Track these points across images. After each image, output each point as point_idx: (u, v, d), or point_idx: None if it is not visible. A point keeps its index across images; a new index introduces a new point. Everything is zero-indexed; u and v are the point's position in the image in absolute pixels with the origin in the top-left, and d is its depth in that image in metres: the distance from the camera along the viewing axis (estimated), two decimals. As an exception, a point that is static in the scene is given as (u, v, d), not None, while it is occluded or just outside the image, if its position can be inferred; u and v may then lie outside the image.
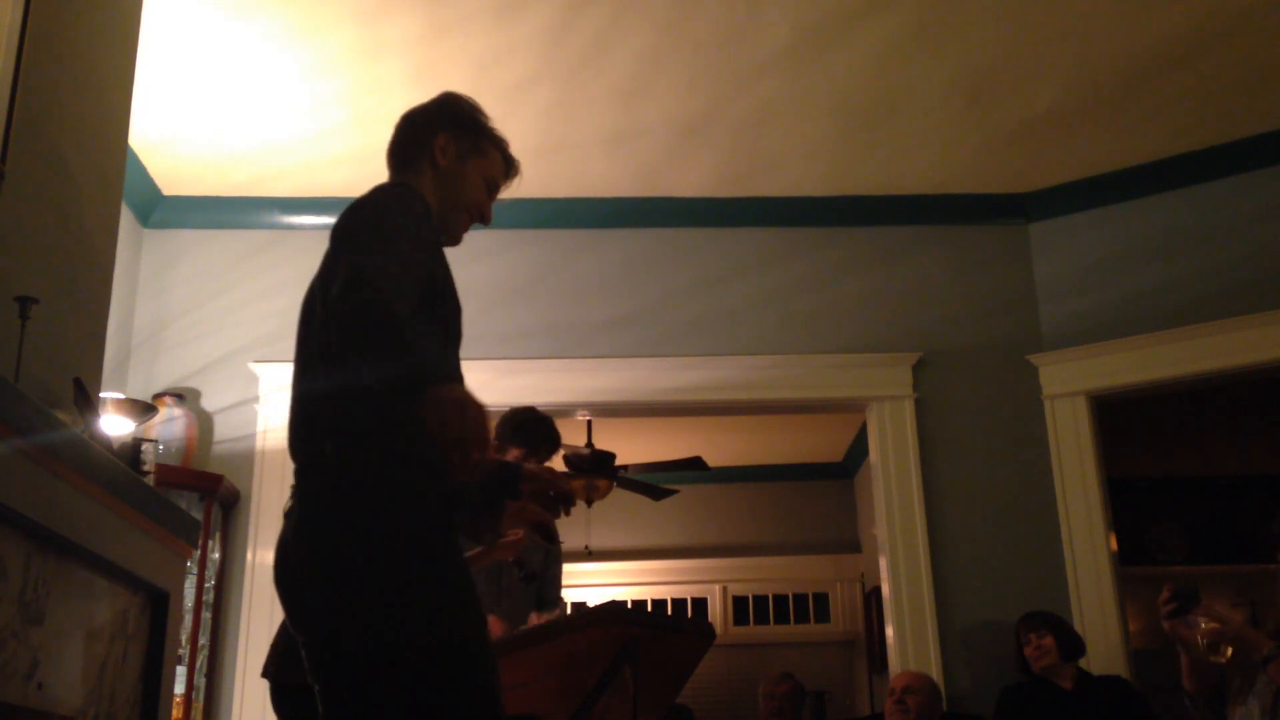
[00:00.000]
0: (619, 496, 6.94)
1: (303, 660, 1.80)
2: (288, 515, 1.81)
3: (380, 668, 1.66)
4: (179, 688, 3.74)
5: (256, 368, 4.39)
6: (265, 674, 2.70)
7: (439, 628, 1.68)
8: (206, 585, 4.10)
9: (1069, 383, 4.51)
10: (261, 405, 4.38)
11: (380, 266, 1.65)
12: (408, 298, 1.66)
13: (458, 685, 1.66)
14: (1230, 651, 2.68)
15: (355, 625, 1.67)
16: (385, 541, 1.69)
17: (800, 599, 8.32)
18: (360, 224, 1.78)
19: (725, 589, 8.28)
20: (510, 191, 4.74)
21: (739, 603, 8.29)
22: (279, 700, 2.63)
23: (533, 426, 3.39)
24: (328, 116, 4.08)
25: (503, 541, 3.15)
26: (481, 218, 2.08)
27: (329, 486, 1.72)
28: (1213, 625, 2.69)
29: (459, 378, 1.75)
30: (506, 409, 3.51)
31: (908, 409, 4.57)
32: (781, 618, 8.28)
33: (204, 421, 4.39)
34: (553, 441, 3.44)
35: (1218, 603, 2.82)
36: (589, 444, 6.41)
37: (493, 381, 4.35)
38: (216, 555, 4.19)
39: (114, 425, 2.96)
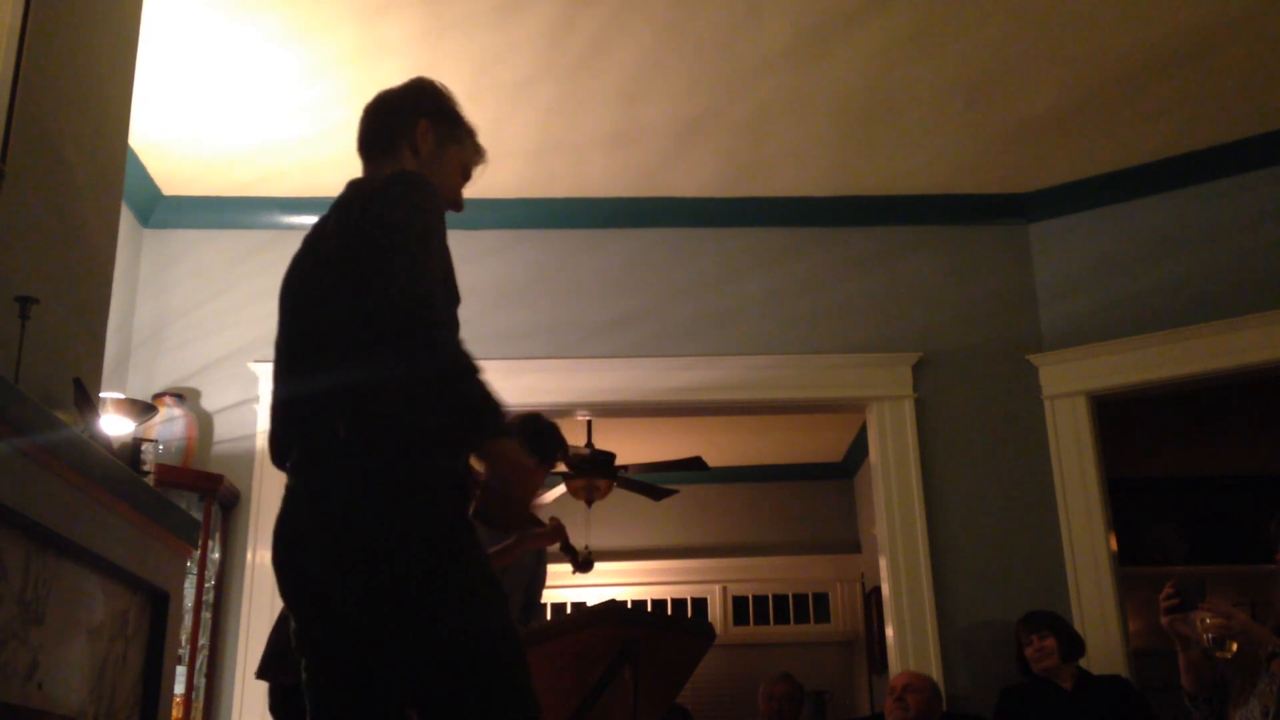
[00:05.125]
0: (619, 496, 6.94)
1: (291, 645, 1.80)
2: (292, 496, 1.80)
3: (408, 668, 1.66)
4: (179, 688, 3.74)
5: (256, 368, 4.40)
6: (261, 675, 2.71)
7: (466, 608, 1.69)
8: (206, 585, 4.10)
9: (1069, 383, 4.51)
10: (261, 405, 4.37)
11: (425, 272, 1.72)
12: (443, 302, 1.76)
13: (488, 666, 1.67)
14: (1235, 647, 2.68)
15: (384, 627, 1.67)
16: (407, 523, 1.69)
17: (800, 599, 8.32)
18: (396, 219, 1.78)
19: (725, 589, 8.27)
20: (510, 191, 4.76)
21: (739, 603, 8.28)
22: (277, 701, 2.63)
23: (547, 438, 3.38)
24: (328, 116, 4.08)
25: (540, 531, 3.14)
26: (456, 204, 2.08)
27: (345, 469, 1.72)
28: (1218, 621, 2.68)
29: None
30: (514, 413, 3.49)
31: (908, 409, 4.57)
32: (781, 618, 8.28)
33: (204, 421, 4.39)
34: (564, 452, 3.46)
35: (1221, 599, 2.81)
36: (589, 444, 6.41)
37: (493, 381, 4.33)
38: (216, 555, 4.19)
39: (114, 425, 2.96)
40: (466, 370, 1.69)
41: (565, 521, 3.40)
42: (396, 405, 1.72)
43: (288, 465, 1.85)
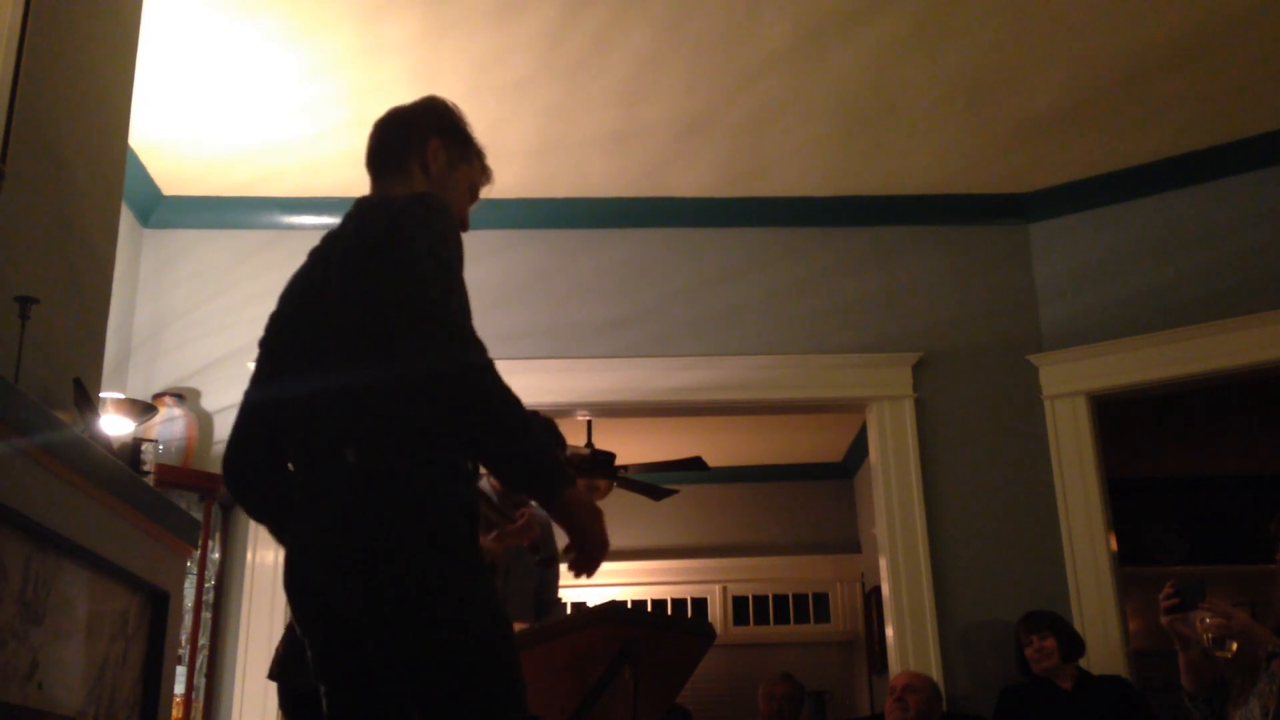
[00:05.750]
0: (619, 496, 6.94)
1: (309, 664, 1.80)
2: (299, 516, 1.80)
3: (407, 668, 1.67)
4: (179, 688, 3.74)
5: (256, 368, 4.39)
6: (273, 677, 2.71)
7: (465, 608, 1.69)
8: (206, 585, 4.10)
9: (1069, 383, 4.51)
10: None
11: (461, 305, 1.72)
12: (460, 315, 1.73)
13: (487, 666, 1.67)
14: (1235, 647, 2.68)
15: (383, 627, 1.68)
16: (406, 523, 1.69)
17: (800, 599, 8.32)
18: (423, 247, 1.73)
19: (725, 589, 8.27)
20: (510, 191, 4.75)
21: (739, 603, 8.28)
22: (288, 706, 2.64)
23: (544, 433, 3.39)
24: (328, 116, 4.08)
25: (512, 527, 3.15)
26: (462, 224, 2.07)
27: (355, 492, 1.71)
28: (1218, 621, 2.68)
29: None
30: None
31: (908, 409, 4.57)
32: (781, 618, 8.28)
33: (204, 421, 4.39)
34: (559, 446, 3.46)
35: (1220, 599, 2.81)
36: (589, 444, 6.41)
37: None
38: (216, 555, 4.19)
39: (114, 425, 2.97)
40: (527, 425, 1.67)
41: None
42: (397, 416, 1.72)
43: (297, 484, 1.83)
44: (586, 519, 1.74)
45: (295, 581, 1.79)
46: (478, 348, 1.66)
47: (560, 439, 3.44)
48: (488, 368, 1.65)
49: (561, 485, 1.69)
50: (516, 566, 3.34)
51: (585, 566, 1.78)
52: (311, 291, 1.90)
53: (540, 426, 3.36)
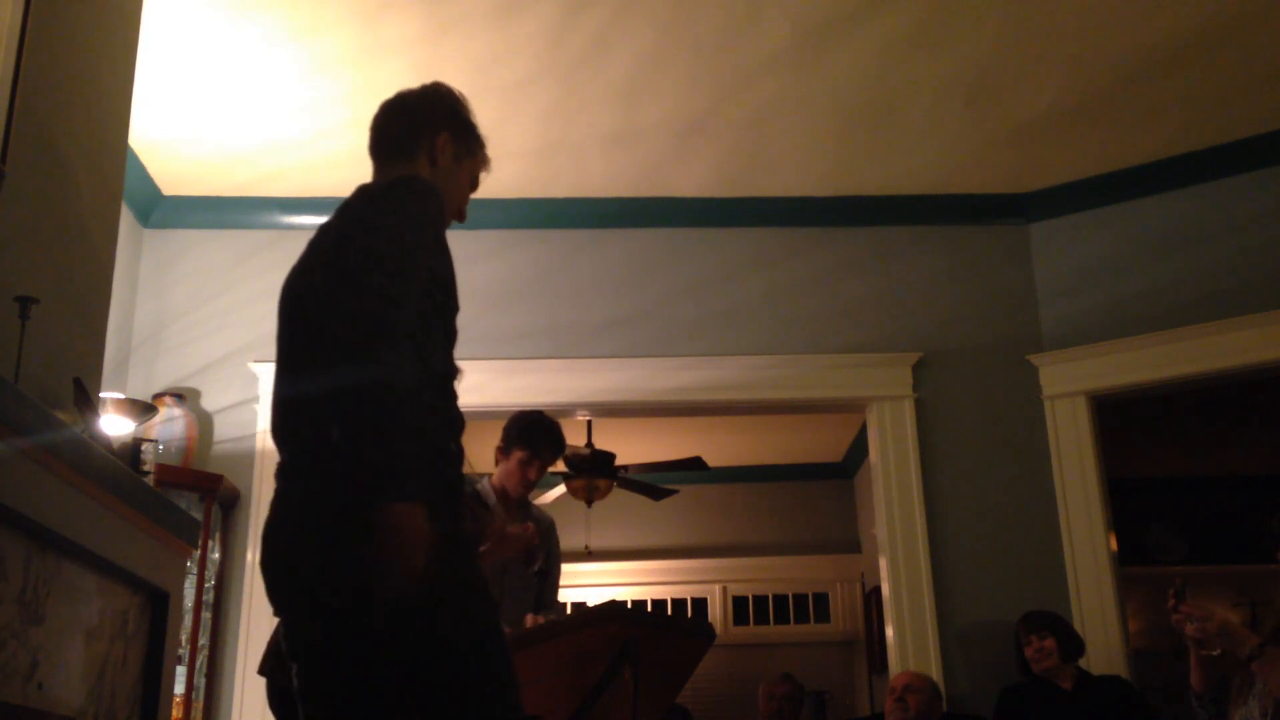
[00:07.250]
0: (619, 496, 6.95)
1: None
2: (282, 498, 1.79)
3: (380, 646, 1.66)
4: (179, 688, 3.74)
5: (256, 368, 4.40)
6: (262, 672, 2.71)
7: (445, 609, 1.68)
8: (206, 585, 4.10)
9: (1069, 383, 4.51)
10: (261, 405, 4.38)
11: (397, 289, 1.68)
12: (405, 307, 1.69)
13: (470, 669, 1.66)
14: (1219, 647, 2.70)
15: (356, 606, 1.67)
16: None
17: (800, 599, 8.32)
18: (384, 226, 1.76)
19: (725, 589, 8.28)
20: (510, 191, 4.74)
21: (739, 603, 8.29)
22: (275, 700, 2.63)
23: (538, 430, 3.38)
24: (328, 116, 4.08)
25: (501, 536, 3.14)
26: (460, 215, 2.07)
27: (335, 472, 1.69)
28: (1194, 628, 2.70)
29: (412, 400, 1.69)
30: (514, 411, 3.51)
31: (908, 409, 4.57)
32: (781, 618, 8.28)
33: (204, 421, 4.39)
34: (557, 446, 3.44)
35: (1214, 601, 2.83)
36: (589, 444, 6.41)
37: (493, 381, 4.35)
38: (216, 555, 4.19)
39: (114, 425, 2.96)
40: (388, 428, 1.62)
41: (565, 521, 3.39)
42: (378, 397, 1.71)
43: (276, 466, 1.84)
44: (395, 544, 1.59)
45: (284, 574, 1.77)
46: (391, 354, 1.64)
47: (561, 443, 3.43)
48: (391, 385, 1.62)
49: (385, 495, 1.59)
50: (514, 567, 3.33)
51: (381, 595, 1.63)
52: (302, 281, 1.91)
53: (547, 427, 3.35)
